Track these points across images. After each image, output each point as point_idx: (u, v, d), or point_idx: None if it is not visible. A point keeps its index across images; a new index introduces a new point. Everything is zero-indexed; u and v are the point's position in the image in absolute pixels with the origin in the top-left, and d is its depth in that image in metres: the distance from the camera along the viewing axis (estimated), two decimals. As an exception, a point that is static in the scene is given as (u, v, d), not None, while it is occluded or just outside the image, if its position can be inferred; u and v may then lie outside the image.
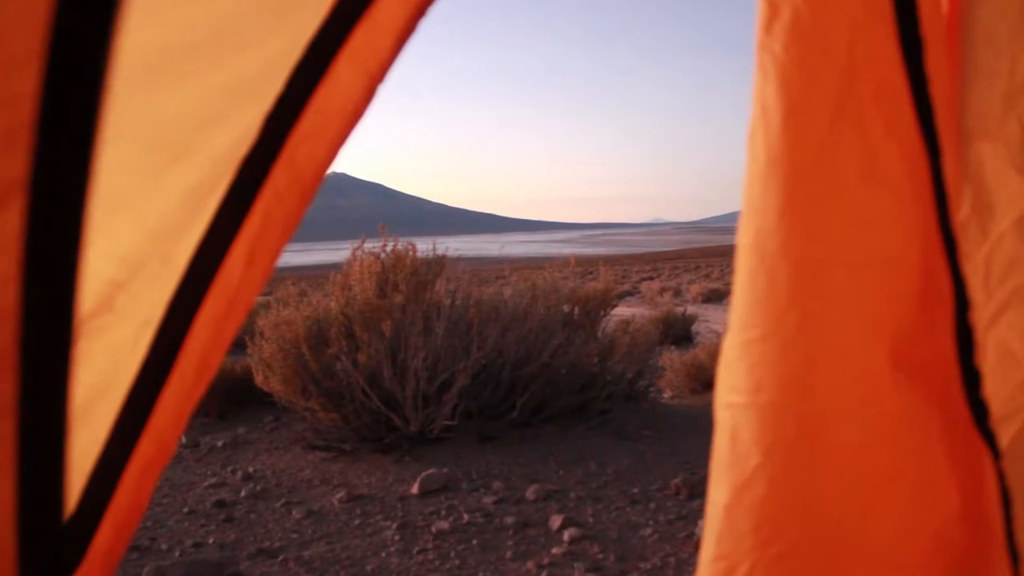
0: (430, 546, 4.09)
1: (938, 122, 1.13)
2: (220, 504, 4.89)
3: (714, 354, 8.01)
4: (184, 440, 6.58)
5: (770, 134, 1.20)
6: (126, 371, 1.19)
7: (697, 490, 4.72)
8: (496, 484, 4.94)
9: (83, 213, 0.93)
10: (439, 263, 6.38)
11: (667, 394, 8.20)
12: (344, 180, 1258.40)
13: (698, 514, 4.39)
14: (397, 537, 4.22)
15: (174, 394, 1.22)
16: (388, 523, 4.42)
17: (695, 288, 28.54)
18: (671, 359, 8.44)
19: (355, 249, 6.28)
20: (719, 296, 25.94)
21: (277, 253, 1.22)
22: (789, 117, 1.18)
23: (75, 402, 1.19)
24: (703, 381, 8.27)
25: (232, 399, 7.45)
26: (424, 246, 6.43)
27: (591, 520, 4.34)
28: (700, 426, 6.42)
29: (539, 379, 5.98)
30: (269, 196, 1.18)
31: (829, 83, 1.17)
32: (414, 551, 4.03)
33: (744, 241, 1.24)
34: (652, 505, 4.56)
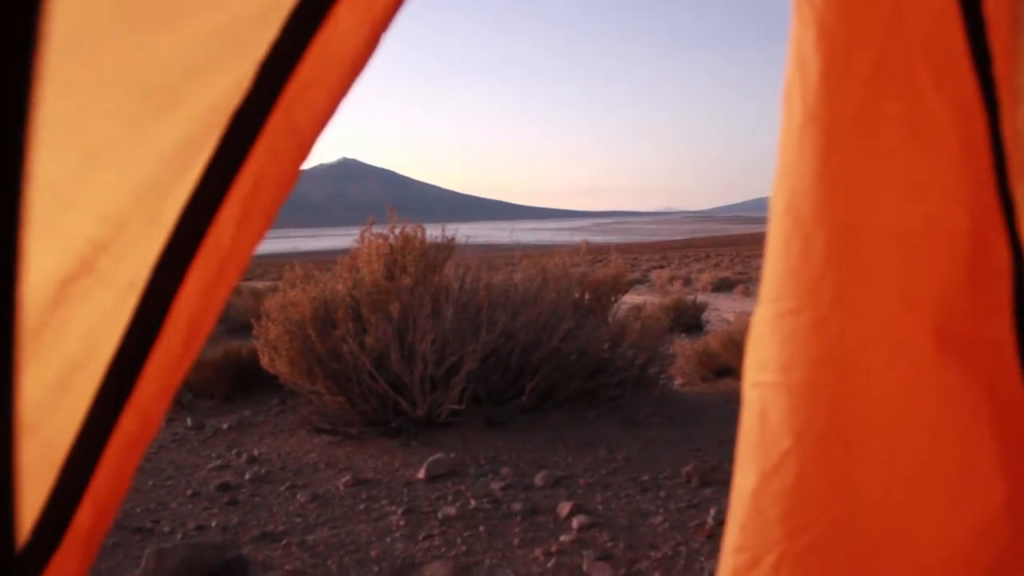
0: (436, 532, 4.01)
1: (996, 72, 1.03)
2: (224, 487, 4.82)
3: (725, 342, 7.92)
4: (189, 422, 6.52)
5: (807, 89, 1.10)
6: (108, 339, 1.11)
7: (709, 478, 4.63)
8: (504, 470, 4.86)
9: (21, 161, 0.84)
10: (448, 246, 6.29)
11: (678, 381, 8.11)
12: (355, 166, 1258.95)
13: (710, 502, 4.30)
14: (403, 522, 4.14)
15: (160, 364, 1.13)
16: (394, 508, 4.34)
17: (705, 277, 28.42)
18: (682, 346, 8.35)
19: (363, 231, 6.19)
20: (729, 285, 25.84)
21: (272, 213, 1.13)
22: (828, 70, 1.08)
23: (50, 373, 1.10)
24: (714, 368, 8.18)
25: (239, 382, 7.39)
26: (435, 232, 6.33)
27: (600, 507, 4.26)
28: (711, 414, 6.33)
29: (548, 364, 5.89)
30: (263, 151, 1.09)
31: (872, 31, 1.07)
32: (420, 537, 3.95)
33: (777, 205, 1.14)
34: (662, 493, 4.47)
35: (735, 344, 7.76)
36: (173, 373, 1.15)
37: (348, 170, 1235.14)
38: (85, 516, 1.16)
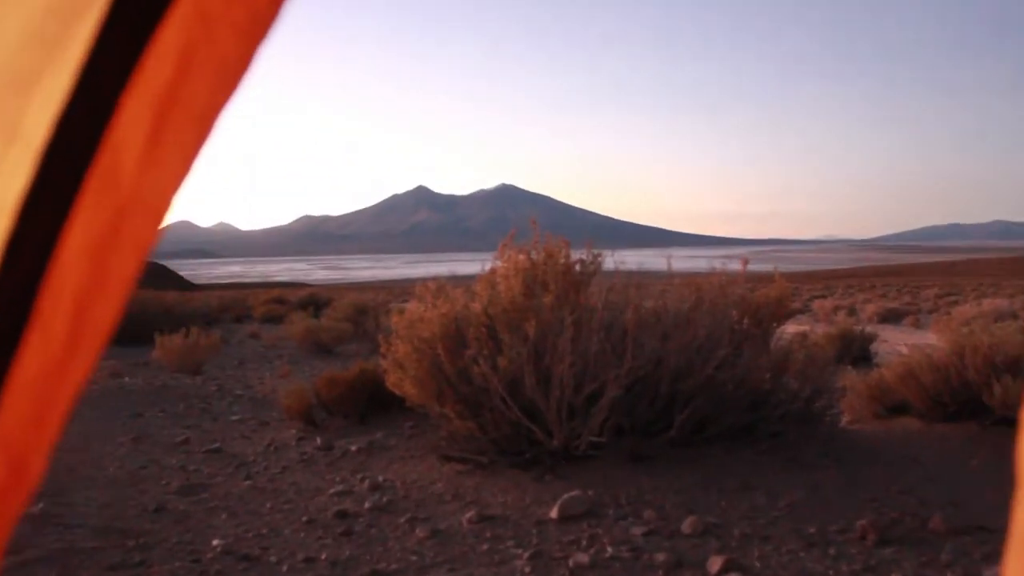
0: (565, 582, 3.51)
1: None
2: (342, 515, 4.49)
3: (903, 375, 7.07)
4: (319, 442, 6.27)
5: None
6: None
7: (888, 534, 3.96)
8: (647, 513, 4.31)
9: None
10: (594, 264, 5.80)
11: (845, 418, 7.31)
12: (513, 192, 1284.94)
13: (891, 565, 3.63)
14: (528, 569, 3.67)
15: (31, 372, 0.69)
16: (520, 551, 3.87)
17: (871, 307, 26.91)
18: (852, 379, 7.53)
19: (503, 244, 5.77)
20: (897, 316, 24.37)
21: (209, 124, 0.67)
22: None
23: None
24: (888, 405, 7.34)
25: (374, 402, 7.12)
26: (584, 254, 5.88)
27: (758, 564, 3.66)
28: (888, 456, 5.57)
29: (702, 394, 5.30)
30: (188, 15, 0.64)
31: None
32: (546, 587, 3.46)
33: None
34: (832, 550, 3.83)
35: (914, 378, 6.92)
36: (55, 385, 0.70)
37: (507, 196, 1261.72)
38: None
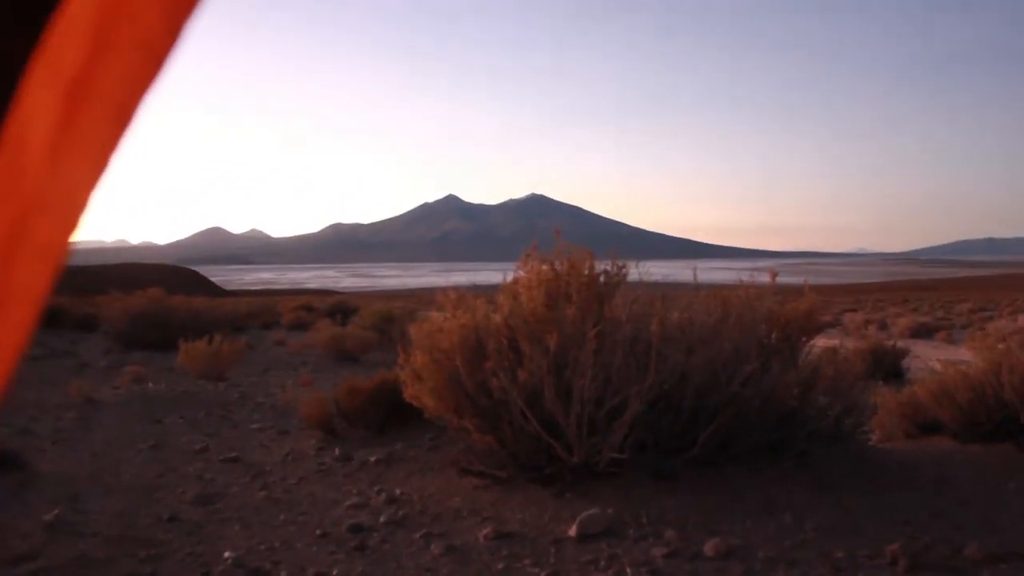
0: (582, 605, 3.39)
1: None
2: (356, 529, 4.39)
3: (936, 392, 6.88)
4: (337, 452, 6.19)
5: None
6: None
7: (921, 559, 3.79)
8: (668, 533, 4.17)
9: None
10: (619, 276, 5.67)
11: (874, 436, 7.11)
12: (543, 202, 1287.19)
13: (923, 594, 3.47)
14: (544, 589, 3.55)
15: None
16: (536, 570, 3.76)
17: (902, 322, 26.59)
18: (883, 396, 7.34)
19: (526, 254, 5.65)
20: (929, 331, 24.01)
21: (130, 112, 0.58)
22: None
23: None
24: (920, 423, 7.14)
25: (395, 413, 7.01)
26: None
27: (783, 589, 3.52)
28: (921, 478, 5.39)
29: (727, 410, 5.15)
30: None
31: None
32: (562, 610, 3.35)
33: None
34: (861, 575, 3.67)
35: (948, 395, 6.72)
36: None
37: (537, 206, 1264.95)
38: None
